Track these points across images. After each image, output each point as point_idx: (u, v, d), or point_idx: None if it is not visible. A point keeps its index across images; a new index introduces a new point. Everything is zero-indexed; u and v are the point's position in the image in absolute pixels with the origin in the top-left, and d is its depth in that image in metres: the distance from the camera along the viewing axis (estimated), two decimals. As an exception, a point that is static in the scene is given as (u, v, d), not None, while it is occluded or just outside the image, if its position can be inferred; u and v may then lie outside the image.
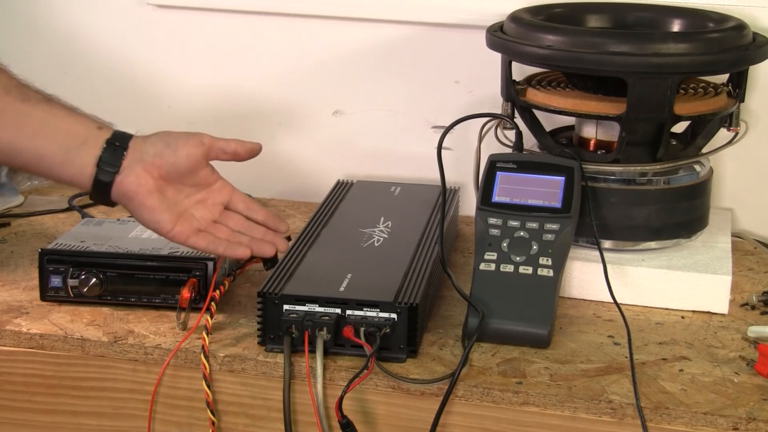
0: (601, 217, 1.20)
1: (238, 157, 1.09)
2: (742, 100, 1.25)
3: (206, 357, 1.05)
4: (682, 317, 1.16)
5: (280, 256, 1.12)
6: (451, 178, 1.21)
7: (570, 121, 1.32)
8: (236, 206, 1.11)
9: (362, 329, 1.03)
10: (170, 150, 1.05)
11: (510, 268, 1.11)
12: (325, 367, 1.02)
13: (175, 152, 1.05)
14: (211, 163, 1.09)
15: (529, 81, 1.29)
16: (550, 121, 1.31)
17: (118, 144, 1.03)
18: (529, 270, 1.11)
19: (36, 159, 1.02)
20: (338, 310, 1.04)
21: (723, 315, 1.16)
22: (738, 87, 1.25)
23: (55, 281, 1.15)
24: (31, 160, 1.03)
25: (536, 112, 1.28)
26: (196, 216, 1.07)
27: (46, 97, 1.04)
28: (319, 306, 1.05)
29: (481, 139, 1.29)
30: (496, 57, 1.26)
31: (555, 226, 1.12)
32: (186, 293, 1.11)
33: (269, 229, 1.12)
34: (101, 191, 1.04)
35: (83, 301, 1.16)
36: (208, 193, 1.09)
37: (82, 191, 1.12)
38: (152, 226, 1.06)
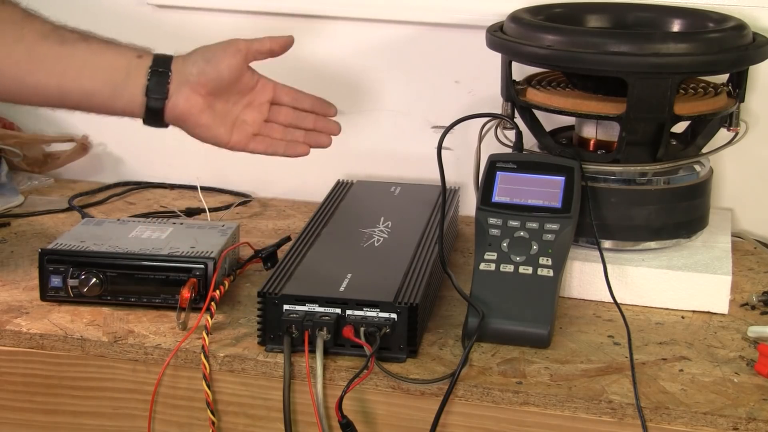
0: (601, 217, 1.20)
1: (273, 54, 1.11)
2: (742, 100, 1.25)
3: (206, 357, 1.05)
4: (682, 317, 1.16)
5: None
6: (451, 178, 1.21)
7: (570, 121, 1.32)
8: (282, 100, 1.13)
9: (362, 329, 1.03)
10: (211, 66, 1.06)
11: (510, 268, 1.11)
12: (325, 367, 1.02)
13: (217, 67, 1.07)
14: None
15: (529, 81, 1.29)
16: (550, 121, 1.31)
17: (161, 70, 1.05)
18: (529, 270, 1.11)
19: (86, 98, 1.05)
20: (338, 310, 1.04)
21: (723, 315, 1.16)
22: (738, 87, 1.25)
23: (55, 281, 1.15)
24: (81, 100, 1.05)
25: (536, 112, 1.28)
26: (248, 121, 1.10)
27: (83, 35, 1.05)
28: (319, 306, 1.05)
29: (481, 139, 1.29)
30: (496, 57, 1.26)
31: (555, 226, 1.12)
32: (186, 293, 1.11)
33: (319, 115, 1.14)
34: (154, 118, 1.07)
35: (83, 301, 1.16)
36: (253, 95, 1.11)
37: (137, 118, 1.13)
38: (211, 141, 1.11)
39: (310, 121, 1.15)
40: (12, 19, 1.02)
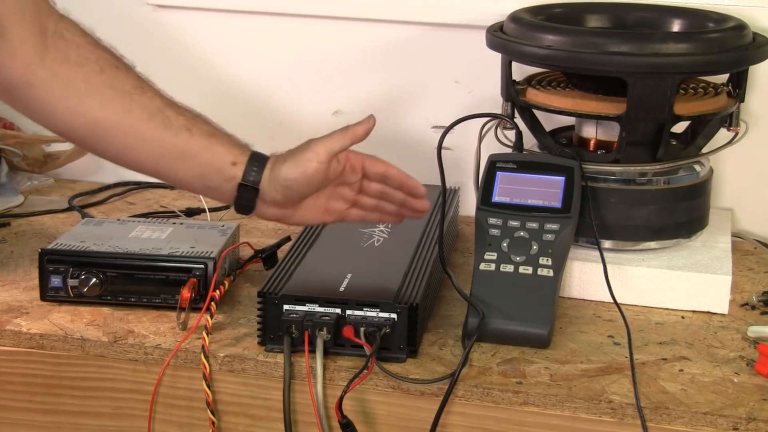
0: (601, 217, 1.20)
1: (358, 141, 1.08)
2: (742, 100, 1.25)
3: (206, 357, 1.05)
4: (682, 317, 1.16)
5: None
6: (451, 178, 1.20)
7: (570, 121, 1.32)
8: (371, 175, 1.09)
9: (362, 329, 1.03)
10: (294, 191, 1.05)
11: (510, 268, 1.11)
12: (325, 367, 1.02)
13: (300, 191, 1.05)
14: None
15: (529, 81, 1.29)
16: (550, 121, 1.31)
17: (250, 185, 1.04)
18: (529, 270, 1.11)
19: (180, 184, 1.07)
20: (338, 310, 1.04)
21: (723, 315, 1.16)
22: (738, 87, 1.25)
23: (55, 281, 1.15)
24: (177, 184, 1.08)
25: (536, 112, 1.28)
26: (340, 202, 1.09)
27: (188, 121, 1.04)
28: (319, 306, 1.05)
29: (481, 139, 1.29)
30: (496, 57, 1.26)
31: (555, 226, 1.12)
32: (186, 293, 1.11)
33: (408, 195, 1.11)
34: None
35: (83, 301, 1.16)
36: (342, 178, 1.08)
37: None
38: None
39: (400, 196, 1.11)
40: (124, 88, 1.02)
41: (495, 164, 1.18)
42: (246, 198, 1.05)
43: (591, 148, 1.26)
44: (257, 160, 1.05)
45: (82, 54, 1.02)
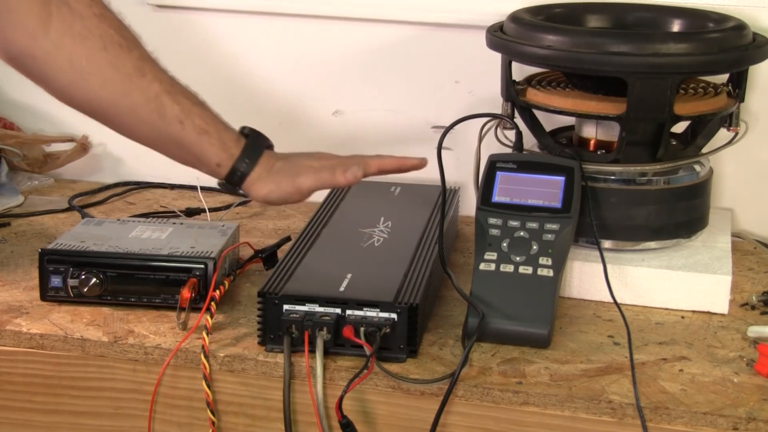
0: (601, 217, 1.20)
1: (344, 187, 1.16)
2: (742, 100, 1.25)
3: (206, 357, 1.05)
4: (682, 317, 1.16)
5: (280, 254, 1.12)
6: (451, 178, 1.21)
7: (570, 121, 1.32)
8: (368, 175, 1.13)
9: (362, 329, 1.03)
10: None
11: (510, 268, 1.11)
12: (325, 367, 1.02)
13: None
14: None
15: (529, 81, 1.29)
16: (550, 121, 1.31)
17: (233, 185, 1.10)
18: (529, 270, 1.11)
19: (170, 157, 1.11)
20: (338, 310, 1.04)
21: (723, 315, 1.16)
22: (738, 87, 1.25)
23: (55, 281, 1.15)
24: (166, 155, 1.11)
25: (536, 112, 1.28)
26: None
27: (182, 113, 1.07)
28: (319, 306, 1.05)
29: (481, 139, 1.29)
30: (496, 57, 1.26)
31: (555, 226, 1.12)
32: (186, 293, 1.11)
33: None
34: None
35: (83, 301, 1.16)
36: None
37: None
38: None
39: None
40: (125, 69, 1.04)
41: (495, 164, 1.18)
42: (229, 189, 1.10)
43: (591, 148, 1.26)
44: (243, 163, 1.08)
45: (86, 26, 1.02)
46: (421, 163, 1.13)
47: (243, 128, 1.13)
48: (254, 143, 1.11)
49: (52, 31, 1.00)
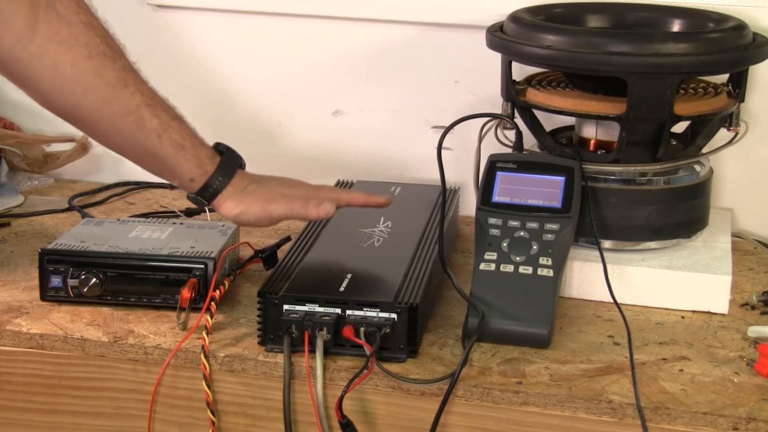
0: (601, 217, 1.20)
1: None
2: (742, 100, 1.25)
3: (206, 357, 1.05)
4: (682, 317, 1.16)
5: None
6: (451, 178, 1.21)
7: (570, 121, 1.32)
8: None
9: (362, 329, 1.03)
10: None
11: (510, 268, 1.11)
12: (325, 367, 1.02)
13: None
14: None
15: (529, 81, 1.29)
16: (550, 121, 1.31)
17: (202, 200, 1.11)
18: (529, 270, 1.11)
19: (148, 171, 1.12)
20: (338, 310, 1.04)
21: (723, 315, 1.16)
22: (738, 87, 1.25)
23: (55, 281, 1.15)
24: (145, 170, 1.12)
25: (536, 112, 1.28)
26: None
27: (161, 127, 1.07)
28: (319, 306, 1.05)
29: (481, 139, 1.29)
30: (496, 57, 1.26)
31: (555, 226, 1.12)
32: (186, 293, 1.11)
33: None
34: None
35: (83, 301, 1.16)
36: None
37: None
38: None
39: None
40: (108, 78, 1.03)
41: (495, 164, 1.18)
42: (198, 203, 1.11)
43: (591, 148, 1.26)
44: (216, 180, 1.09)
45: (72, 33, 1.01)
46: (387, 201, 1.17)
47: (218, 144, 1.13)
48: (228, 161, 1.11)
49: (39, 35, 1.00)
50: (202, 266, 1.13)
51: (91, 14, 1.04)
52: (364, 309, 1.04)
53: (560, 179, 1.16)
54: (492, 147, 1.27)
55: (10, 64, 1.01)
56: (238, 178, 1.11)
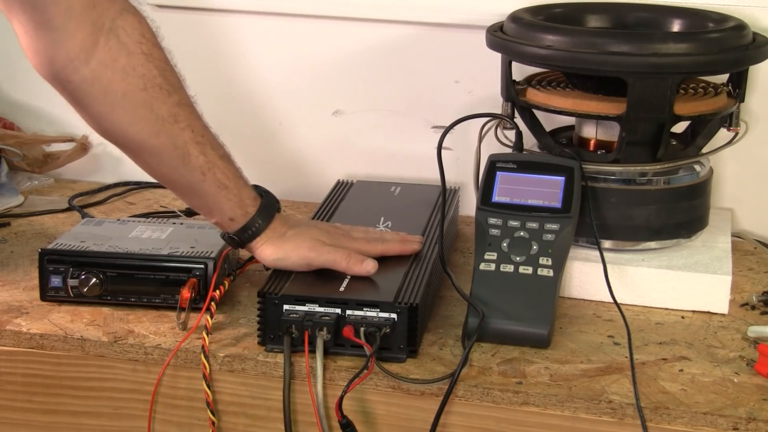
0: (601, 217, 1.20)
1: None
2: (742, 100, 1.25)
3: (206, 357, 1.05)
4: (682, 317, 1.16)
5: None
6: (451, 178, 1.21)
7: (570, 121, 1.32)
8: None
9: (362, 329, 1.03)
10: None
11: (510, 268, 1.11)
12: (325, 367, 1.02)
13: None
14: None
15: (529, 81, 1.29)
16: (550, 121, 1.31)
17: (240, 242, 1.11)
18: (529, 270, 1.11)
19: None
20: (338, 310, 1.04)
21: (723, 315, 1.16)
22: (738, 87, 1.25)
23: (55, 281, 1.15)
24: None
25: (536, 112, 1.28)
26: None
27: (206, 165, 1.07)
28: (319, 306, 1.05)
29: (481, 139, 1.29)
30: (496, 57, 1.26)
31: (555, 226, 1.12)
32: (186, 293, 1.11)
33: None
34: None
35: (83, 301, 1.16)
36: None
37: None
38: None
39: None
40: (159, 112, 1.03)
41: (495, 164, 1.18)
42: (233, 243, 1.11)
43: (591, 148, 1.26)
44: (257, 223, 1.09)
45: (130, 63, 1.00)
46: (420, 247, 1.17)
47: (256, 187, 1.13)
48: (268, 204, 1.11)
49: (94, 60, 0.99)
50: (202, 266, 1.14)
51: (154, 45, 1.03)
52: (364, 309, 1.04)
53: (560, 179, 1.16)
54: (492, 147, 1.27)
55: (62, 83, 1.00)
56: (277, 222, 1.11)
